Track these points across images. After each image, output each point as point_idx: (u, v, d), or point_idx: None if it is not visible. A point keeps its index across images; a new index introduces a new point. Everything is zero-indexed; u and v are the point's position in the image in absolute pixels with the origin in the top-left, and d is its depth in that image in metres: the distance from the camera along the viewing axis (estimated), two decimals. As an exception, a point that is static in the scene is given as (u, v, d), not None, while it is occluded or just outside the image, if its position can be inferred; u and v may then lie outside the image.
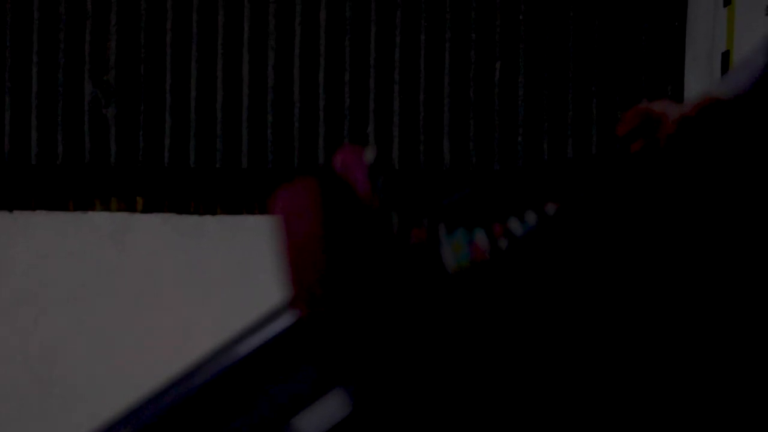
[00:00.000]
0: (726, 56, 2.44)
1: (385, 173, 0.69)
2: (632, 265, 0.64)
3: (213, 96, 2.67)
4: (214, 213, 2.63)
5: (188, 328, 2.51)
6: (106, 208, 2.60)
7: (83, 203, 2.60)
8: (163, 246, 2.59)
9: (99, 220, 2.59)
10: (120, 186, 2.62)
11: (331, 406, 0.65)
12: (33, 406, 2.49)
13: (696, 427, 0.58)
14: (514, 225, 0.67)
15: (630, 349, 0.61)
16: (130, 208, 2.61)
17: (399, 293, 0.62)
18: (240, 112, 2.67)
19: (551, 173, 0.74)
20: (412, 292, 0.62)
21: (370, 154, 0.70)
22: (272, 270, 0.75)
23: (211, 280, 2.57)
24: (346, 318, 0.62)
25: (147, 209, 2.62)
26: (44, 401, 2.50)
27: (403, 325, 0.61)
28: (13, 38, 2.55)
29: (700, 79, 2.60)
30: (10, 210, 2.56)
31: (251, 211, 2.62)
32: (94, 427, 0.83)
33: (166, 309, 2.55)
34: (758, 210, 0.59)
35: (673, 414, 0.58)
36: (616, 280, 0.63)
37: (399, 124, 2.71)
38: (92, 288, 2.54)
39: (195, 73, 2.66)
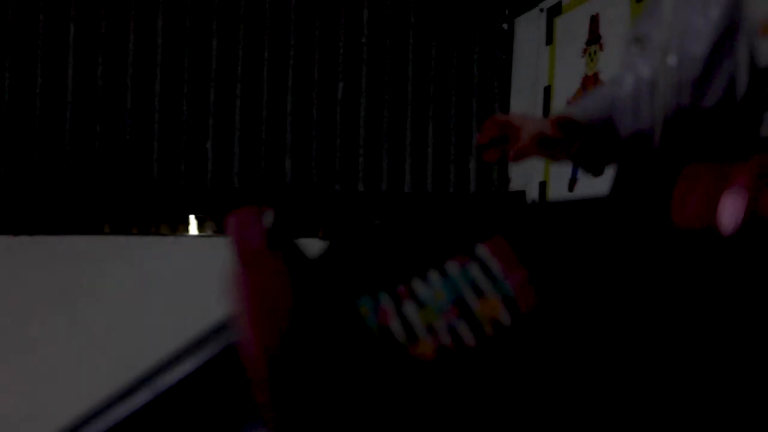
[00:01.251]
0: (548, 90, 2.66)
1: (284, 238, 0.65)
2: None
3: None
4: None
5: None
6: None
7: None
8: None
9: None
10: None
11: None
12: None
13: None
14: (418, 285, 0.64)
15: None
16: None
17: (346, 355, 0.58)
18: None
19: (443, 226, 0.74)
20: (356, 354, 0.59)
21: (268, 218, 0.66)
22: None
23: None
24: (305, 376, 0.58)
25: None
26: None
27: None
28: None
29: (524, 110, 2.80)
30: None
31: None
32: None
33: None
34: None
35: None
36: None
37: (240, 140, 2.65)
38: None
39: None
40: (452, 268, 0.64)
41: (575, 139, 0.85)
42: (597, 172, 0.98)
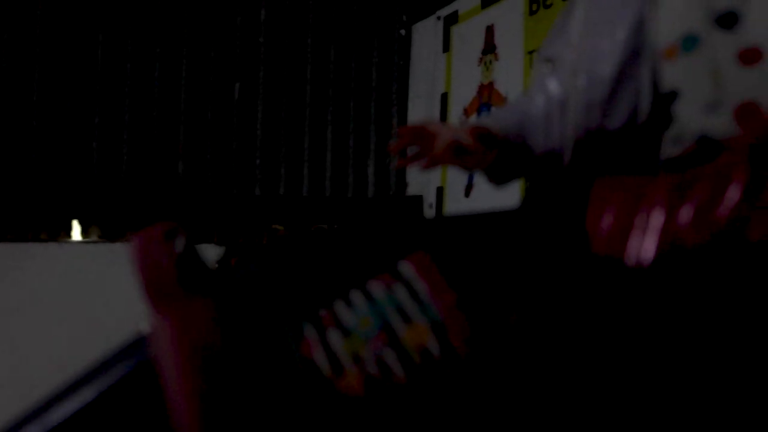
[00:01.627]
0: (444, 97, 2.71)
1: (195, 263, 0.60)
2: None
3: None
4: None
5: None
6: None
7: None
8: None
9: None
10: None
11: None
12: None
13: None
14: (342, 310, 0.61)
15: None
16: None
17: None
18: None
19: (360, 240, 0.71)
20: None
21: (179, 243, 0.60)
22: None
23: None
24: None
25: None
26: None
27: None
28: None
29: (422, 115, 2.84)
30: None
31: None
32: None
33: None
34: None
35: None
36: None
37: (129, 141, 2.52)
38: None
39: None
40: (377, 289, 0.62)
41: (491, 151, 0.86)
42: (502, 183, 1.00)
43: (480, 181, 2.48)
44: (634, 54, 0.82)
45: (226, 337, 0.54)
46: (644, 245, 0.59)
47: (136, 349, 0.71)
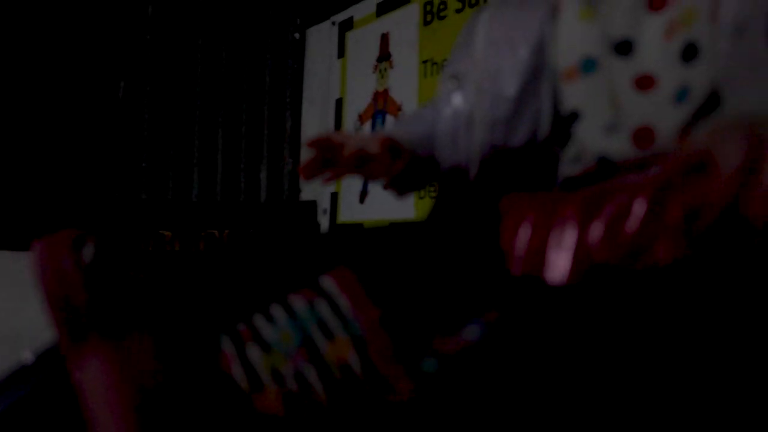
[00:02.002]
0: (339, 102, 2.71)
1: (108, 274, 0.54)
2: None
3: None
4: None
5: None
6: None
7: None
8: None
9: None
10: None
11: None
12: None
13: None
14: (262, 324, 0.58)
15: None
16: None
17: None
18: None
19: (278, 253, 0.68)
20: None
21: (88, 251, 0.54)
22: None
23: None
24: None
25: None
26: None
27: None
28: None
29: (316, 120, 2.82)
30: None
31: None
32: None
33: None
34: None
35: None
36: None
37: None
38: None
39: None
40: (298, 304, 0.60)
41: (398, 161, 0.86)
42: (404, 193, 1.00)
43: (375, 187, 2.49)
44: (536, 73, 0.84)
45: (168, 372, 0.51)
46: (559, 263, 0.61)
47: (17, 382, 0.65)
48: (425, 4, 2.34)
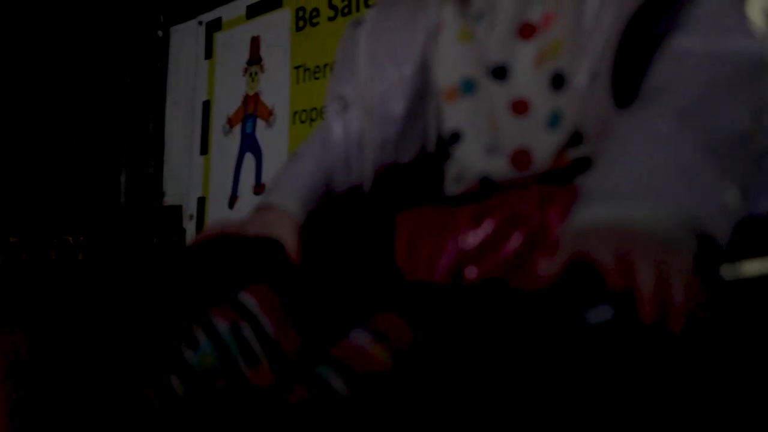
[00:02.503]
0: (207, 105, 2.63)
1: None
2: None
3: None
4: None
5: None
6: None
7: None
8: None
9: None
10: None
11: None
12: None
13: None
14: (190, 356, 0.57)
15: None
16: None
17: None
18: None
19: (193, 269, 0.66)
20: None
21: None
22: None
23: None
24: None
25: None
26: None
27: None
28: None
29: (181, 123, 2.73)
30: None
31: None
32: None
33: None
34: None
35: None
36: None
37: None
38: None
39: None
40: (221, 326, 0.60)
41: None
42: None
43: (246, 192, 2.45)
44: (422, 92, 0.87)
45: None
46: (444, 269, 0.64)
47: None
48: (297, 10, 2.33)
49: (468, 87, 0.83)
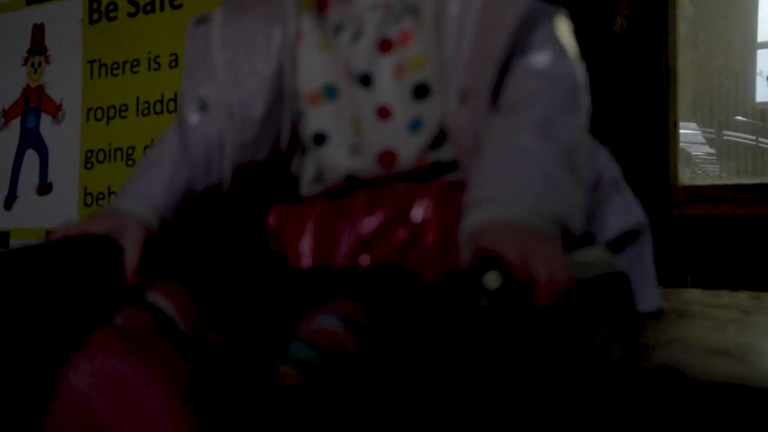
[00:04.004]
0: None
1: None
2: None
3: None
4: None
5: None
6: None
7: None
8: None
9: None
10: None
11: None
12: None
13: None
14: None
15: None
16: None
17: None
18: None
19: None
20: None
21: None
22: None
23: None
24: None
25: None
26: None
27: None
28: None
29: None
30: None
31: None
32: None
33: None
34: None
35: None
36: None
37: None
38: None
39: None
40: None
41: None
42: None
43: (26, 191, 2.25)
44: (279, 95, 0.91)
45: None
46: (341, 252, 0.71)
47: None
48: (91, 2, 2.21)
49: (330, 92, 0.90)
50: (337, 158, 0.88)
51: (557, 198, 0.66)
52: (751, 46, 1.92)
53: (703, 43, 1.93)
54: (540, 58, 0.76)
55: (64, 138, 2.20)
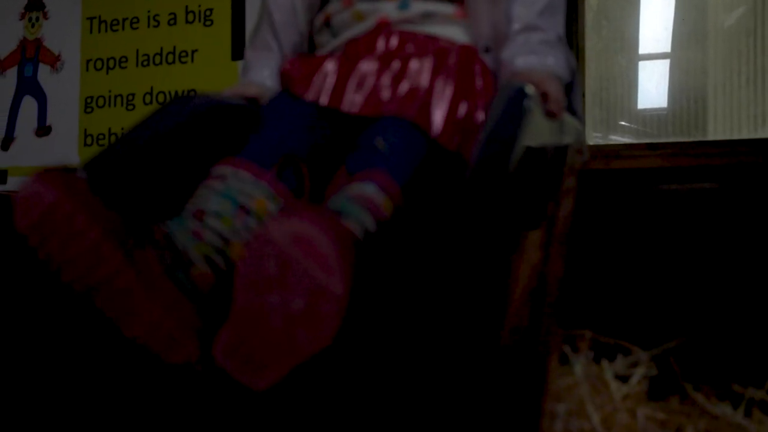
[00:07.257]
0: (-31, 45, 2.54)
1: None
2: None
3: None
4: None
5: None
6: None
7: None
8: None
9: None
10: None
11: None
12: None
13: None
14: (203, 202, 0.87)
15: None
16: None
17: None
18: None
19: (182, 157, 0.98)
20: None
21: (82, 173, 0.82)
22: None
23: None
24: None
25: None
26: None
27: None
28: None
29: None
30: None
31: None
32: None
33: None
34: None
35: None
36: None
37: None
38: None
39: None
40: (217, 184, 0.85)
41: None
42: None
43: (24, 132, 2.45)
44: None
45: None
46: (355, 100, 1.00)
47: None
48: (90, -38, 2.43)
49: None
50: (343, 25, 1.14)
51: (564, 62, 1.07)
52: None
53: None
54: None
55: (63, 86, 2.43)
